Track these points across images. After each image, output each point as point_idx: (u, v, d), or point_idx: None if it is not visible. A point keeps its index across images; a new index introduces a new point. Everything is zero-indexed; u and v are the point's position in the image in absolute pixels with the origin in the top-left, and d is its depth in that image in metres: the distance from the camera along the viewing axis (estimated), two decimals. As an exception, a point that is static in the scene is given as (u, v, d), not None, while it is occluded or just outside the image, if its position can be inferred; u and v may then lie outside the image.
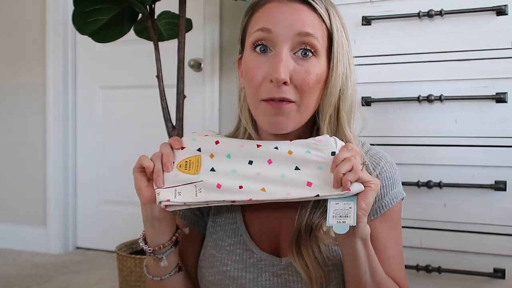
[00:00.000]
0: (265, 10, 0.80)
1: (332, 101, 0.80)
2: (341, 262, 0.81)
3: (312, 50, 0.77)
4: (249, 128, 0.85)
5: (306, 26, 0.76)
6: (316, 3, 0.79)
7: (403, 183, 1.28)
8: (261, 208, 0.86)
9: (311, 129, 0.85)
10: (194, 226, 0.90)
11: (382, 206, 0.84)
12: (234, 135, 0.91)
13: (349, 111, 0.83)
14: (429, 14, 1.32)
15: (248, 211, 0.87)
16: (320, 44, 0.78)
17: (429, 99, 1.32)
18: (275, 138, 0.82)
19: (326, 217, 0.72)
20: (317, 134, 0.82)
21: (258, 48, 0.78)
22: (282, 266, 0.83)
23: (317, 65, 0.78)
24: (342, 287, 0.81)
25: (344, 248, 0.76)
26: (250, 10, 0.83)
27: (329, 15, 0.80)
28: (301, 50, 0.77)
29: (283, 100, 0.76)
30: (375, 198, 0.82)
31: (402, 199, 0.87)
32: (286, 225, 0.84)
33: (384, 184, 0.84)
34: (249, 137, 0.86)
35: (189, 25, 1.82)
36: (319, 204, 0.81)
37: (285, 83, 0.75)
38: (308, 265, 0.78)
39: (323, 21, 0.79)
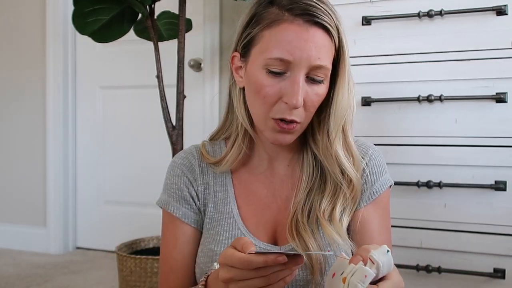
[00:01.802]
0: (284, 33, 0.78)
1: (342, 117, 0.83)
2: (341, 245, 0.82)
3: (323, 77, 0.81)
4: (246, 126, 0.87)
5: (322, 58, 0.79)
6: (331, 26, 0.79)
7: (403, 183, 1.28)
8: (257, 201, 0.89)
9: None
10: (196, 225, 0.91)
11: (374, 192, 0.87)
12: (225, 128, 0.93)
13: (352, 120, 0.86)
14: (429, 14, 1.32)
15: (244, 205, 0.89)
16: (329, 70, 0.81)
17: (429, 99, 1.32)
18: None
19: (325, 199, 0.80)
20: (314, 138, 0.86)
21: (273, 70, 0.79)
22: None
23: (323, 88, 0.82)
24: None
25: None
26: (264, 22, 0.80)
27: (339, 34, 0.81)
28: (313, 77, 0.80)
29: (292, 121, 0.80)
30: (365, 185, 0.86)
31: (390, 186, 0.90)
32: (282, 216, 0.87)
33: (374, 171, 0.88)
34: (244, 133, 0.88)
35: (189, 25, 1.82)
36: (313, 192, 0.86)
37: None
38: (308, 246, 0.81)
39: (334, 42, 0.81)
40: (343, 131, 0.84)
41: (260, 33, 0.81)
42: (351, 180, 0.84)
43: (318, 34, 0.78)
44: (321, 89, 0.81)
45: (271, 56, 0.78)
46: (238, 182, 0.91)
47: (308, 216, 0.84)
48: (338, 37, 0.81)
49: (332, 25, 0.79)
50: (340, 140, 0.84)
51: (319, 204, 0.84)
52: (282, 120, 0.80)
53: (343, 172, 0.84)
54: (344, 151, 0.84)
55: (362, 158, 0.87)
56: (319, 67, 0.79)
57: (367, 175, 0.87)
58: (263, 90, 0.80)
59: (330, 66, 0.81)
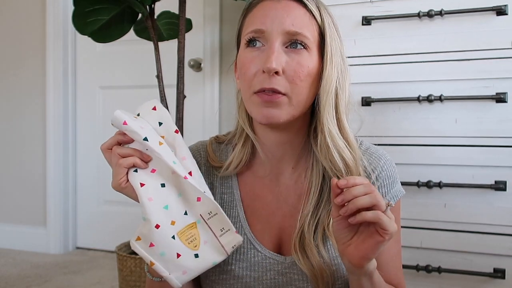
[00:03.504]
0: (259, 9, 0.81)
1: (330, 92, 0.80)
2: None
3: (303, 44, 0.79)
4: (246, 128, 0.87)
5: (295, 25, 0.78)
6: (308, 0, 0.80)
7: (403, 183, 1.28)
8: (262, 206, 0.87)
9: (309, 123, 0.86)
10: None
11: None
12: (235, 135, 0.92)
13: (347, 106, 0.84)
14: (429, 14, 1.32)
15: (249, 209, 0.87)
16: (310, 41, 0.79)
17: (429, 99, 1.32)
18: (271, 130, 0.84)
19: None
20: (315, 133, 0.83)
21: (251, 43, 0.80)
22: (287, 265, 0.83)
23: (308, 59, 0.79)
24: (348, 285, 0.82)
25: (350, 281, 0.77)
26: (244, 11, 0.85)
27: (320, 11, 0.81)
28: (292, 44, 0.79)
29: (273, 91, 0.77)
30: None
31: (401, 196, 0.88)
32: (288, 223, 0.85)
33: (385, 184, 0.85)
34: (246, 137, 0.88)
35: (189, 25, 1.83)
36: (322, 205, 0.83)
37: (276, 73, 0.77)
38: (313, 265, 0.79)
39: (314, 17, 0.80)
40: (337, 112, 0.82)
41: (243, 21, 0.85)
42: (350, 170, 0.81)
43: (291, 5, 0.80)
44: (304, 59, 0.78)
45: (247, 32, 0.80)
46: (243, 186, 0.89)
47: (315, 230, 0.82)
48: (320, 15, 0.81)
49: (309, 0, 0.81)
50: (334, 119, 0.81)
51: (327, 217, 0.81)
52: (262, 91, 0.78)
53: (343, 162, 0.81)
54: (338, 131, 0.81)
55: (373, 170, 0.84)
56: (294, 34, 0.78)
57: (378, 187, 0.84)
58: (244, 67, 0.80)
59: (310, 36, 0.79)
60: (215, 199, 0.88)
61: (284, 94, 0.77)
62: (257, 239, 0.85)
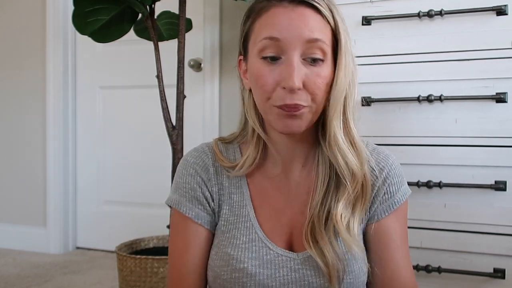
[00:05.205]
0: (271, 16, 0.79)
1: (342, 98, 0.81)
2: (358, 254, 0.82)
3: (322, 59, 0.78)
4: (257, 129, 0.86)
5: (314, 32, 0.77)
6: (321, 5, 0.79)
7: (403, 183, 1.27)
8: (271, 205, 0.88)
9: (316, 125, 0.85)
10: (209, 227, 0.89)
11: (395, 203, 0.86)
12: (241, 134, 0.92)
13: (354, 107, 0.84)
14: (429, 14, 1.32)
15: (259, 208, 0.88)
16: (328, 47, 0.79)
17: (429, 99, 1.32)
18: (287, 137, 0.84)
19: (340, 202, 0.79)
20: (323, 130, 0.83)
21: (268, 58, 0.78)
22: (299, 261, 0.84)
23: (325, 68, 0.79)
24: (359, 280, 0.83)
25: None
26: (254, 14, 0.83)
27: (333, 15, 0.81)
28: (310, 56, 0.78)
29: (296, 106, 0.77)
30: (386, 195, 0.86)
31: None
32: (298, 220, 0.86)
33: (395, 182, 0.87)
34: (258, 137, 0.87)
35: (189, 25, 1.83)
36: (330, 195, 0.84)
37: (298, 89, 0.76)
38: (325, 254, 0.80)
39: (328, 22, 0.80)
40: (344, 115, 0.82)
41: (252, 25, 0.82)
42: (354, 174, 0.81)
43: (306, 13, 0.78)
44: (323, 70, 0.78)
45: (260, 39, 0.79)
46: (253, 185, 0.89)
47: (326, 221, 0.82)
48: (333, 18, 0.80)
49: (321, 3, 0.79)
50: (340, 124, 0.81)
51: (336, 208, 0.82)
52: (284, 106, 0.77)
53: (347, 164, 0.81)
54: (344, 136, 0.81)
55: (381, 169, 0.86)
56: (313, 41, 0.77)
57: (388, 185, 0.86)
58: (261, 80, 0.79)
59: (327, 42, 0.79)
60: (224, 198, 0.88)
61: (306, 106, 0.78)
62: (268, 237, 0.86)
